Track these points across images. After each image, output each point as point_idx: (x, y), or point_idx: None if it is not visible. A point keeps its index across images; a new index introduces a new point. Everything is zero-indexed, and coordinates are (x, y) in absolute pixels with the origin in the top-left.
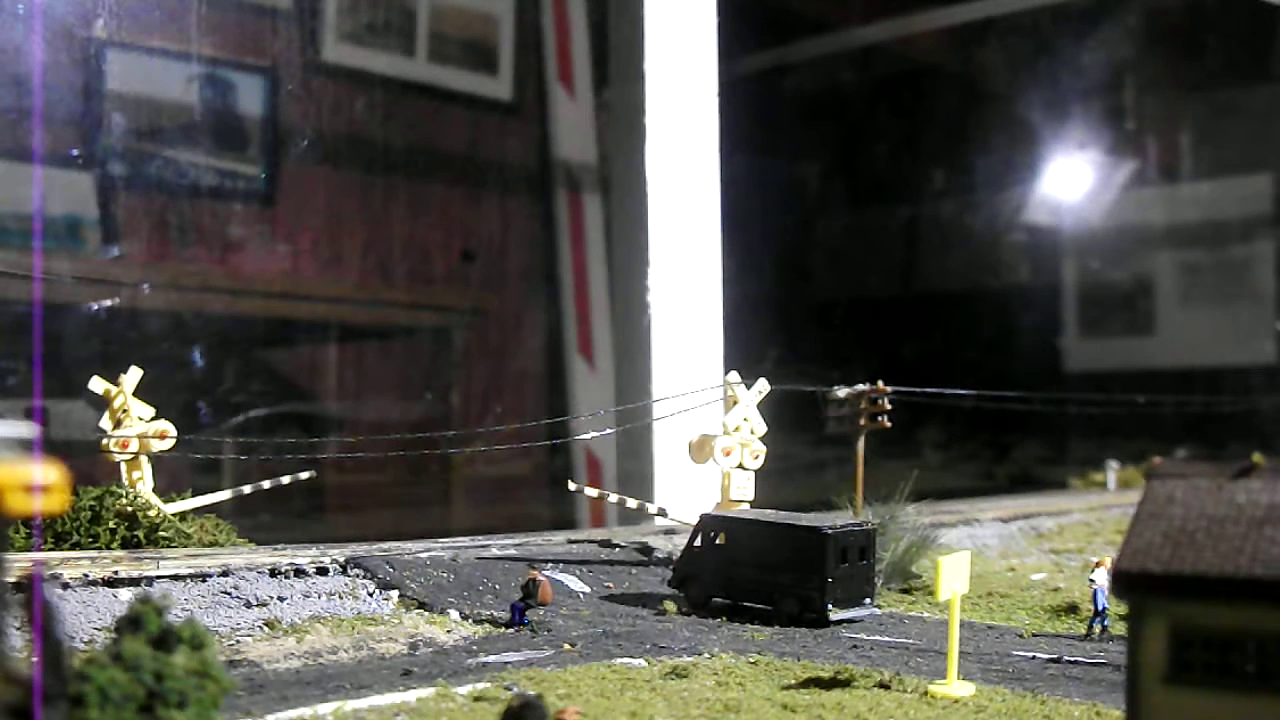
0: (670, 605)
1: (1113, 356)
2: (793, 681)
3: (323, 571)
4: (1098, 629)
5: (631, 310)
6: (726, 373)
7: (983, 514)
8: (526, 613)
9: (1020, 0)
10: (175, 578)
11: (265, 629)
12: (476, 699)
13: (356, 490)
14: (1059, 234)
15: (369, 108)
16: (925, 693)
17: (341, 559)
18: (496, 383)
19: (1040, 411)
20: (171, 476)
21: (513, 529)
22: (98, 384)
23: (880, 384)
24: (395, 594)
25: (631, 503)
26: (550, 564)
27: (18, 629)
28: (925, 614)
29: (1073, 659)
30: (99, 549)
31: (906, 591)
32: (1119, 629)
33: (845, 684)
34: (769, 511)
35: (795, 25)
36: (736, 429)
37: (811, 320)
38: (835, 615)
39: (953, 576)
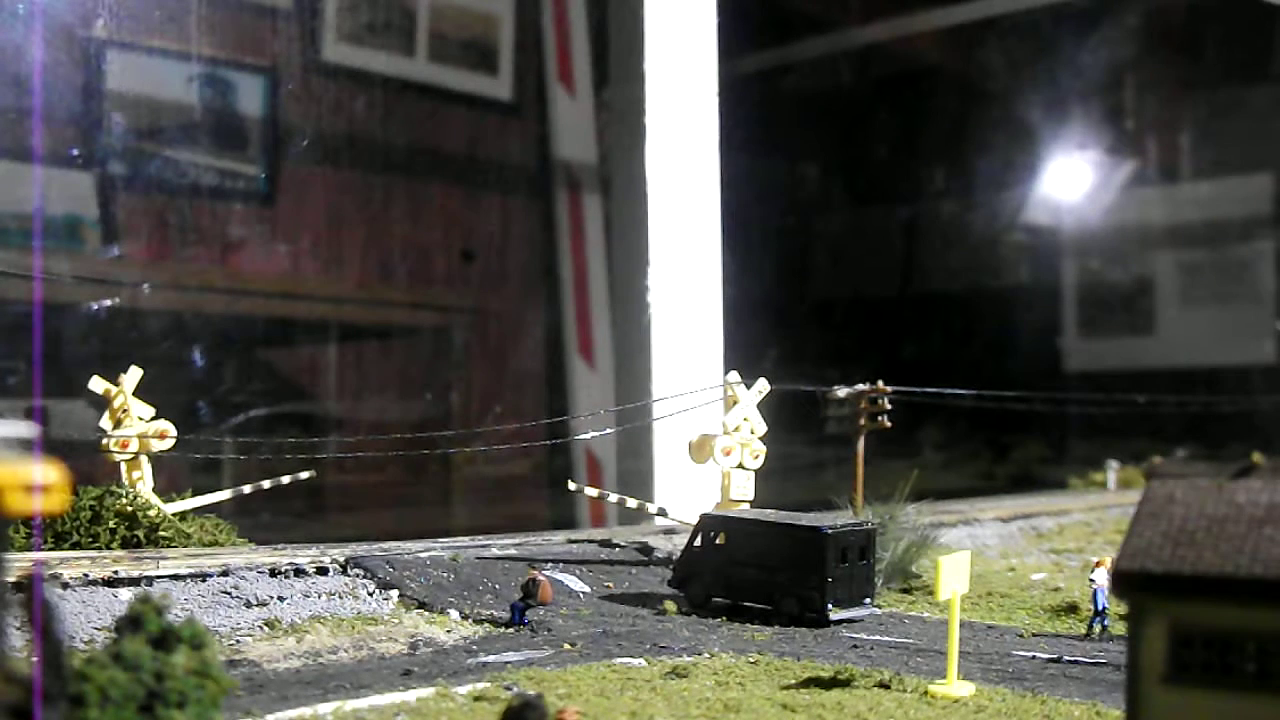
0: (670, 605)
1: (1113, 356)
2: (793, 681)
3: (323, 571)
4: (1098, 629)
5: (631, 310)
6: (726, 373)
7: (983, 514)
8: (526, 612)
9: (1020, 0)
10: (175, 578)
11: (265, 629)
12: (476, 699)
13: (356, 490)
14: (1059, 234)
15: (369, 108)
16: (925, 692)
17: (341, 559)
18: (496, 383)
19: (1040, 411)
20: (171, 476)
21: (513, 529)
22: (98, 384)
23: (880, 384)
24: (395, 594)
25: (631, 503)
26: (550, 564)
27: (18, 629)
28: (925, 614)
29: (1073, 659)
30: (99, 549)
31: (906, 591)
32: (1119, 629)
33: (845, 684)
34: (769, 511)
35: (795, 25)
36: (736, 429)
37: (811, 320)
38: (835, 615)
39: (953, 576)
